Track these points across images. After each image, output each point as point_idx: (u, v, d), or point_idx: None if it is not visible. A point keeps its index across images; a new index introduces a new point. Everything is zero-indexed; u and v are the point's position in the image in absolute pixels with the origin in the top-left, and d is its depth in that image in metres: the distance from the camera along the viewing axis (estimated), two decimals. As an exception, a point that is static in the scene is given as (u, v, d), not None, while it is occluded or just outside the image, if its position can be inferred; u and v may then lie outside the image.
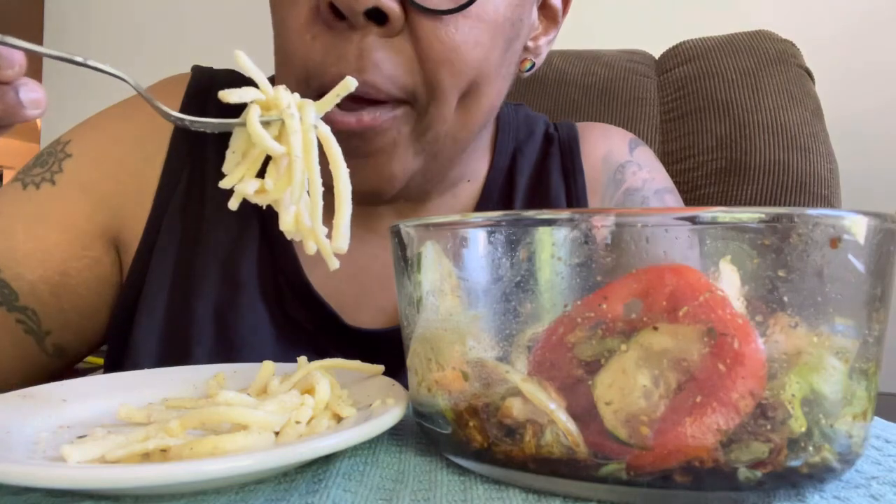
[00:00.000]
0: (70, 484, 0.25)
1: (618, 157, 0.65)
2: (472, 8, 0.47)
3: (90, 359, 0.79)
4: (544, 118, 0.69)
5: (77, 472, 0.25)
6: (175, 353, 0.53)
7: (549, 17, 0.59)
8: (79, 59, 0.33)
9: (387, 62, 0.46)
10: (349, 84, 0.39)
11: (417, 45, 0.46)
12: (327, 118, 0.43)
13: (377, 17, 0.44)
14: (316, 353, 0.47)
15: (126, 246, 0.57)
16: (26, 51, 0.33)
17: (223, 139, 0.57)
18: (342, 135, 0.45)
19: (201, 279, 0.55)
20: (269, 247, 0.56)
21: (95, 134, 0.58)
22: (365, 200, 0.53)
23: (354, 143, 0.47)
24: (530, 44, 0.57)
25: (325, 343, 0.56)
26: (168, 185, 0.57)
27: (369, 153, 0.49)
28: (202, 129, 0.39)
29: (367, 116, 0.47)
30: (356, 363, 0.41)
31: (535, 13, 0.56)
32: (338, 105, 0.42)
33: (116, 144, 0.57)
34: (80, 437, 0.32)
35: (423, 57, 0.46)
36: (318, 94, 0.45)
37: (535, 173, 0.64)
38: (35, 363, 0.56)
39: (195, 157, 0.58)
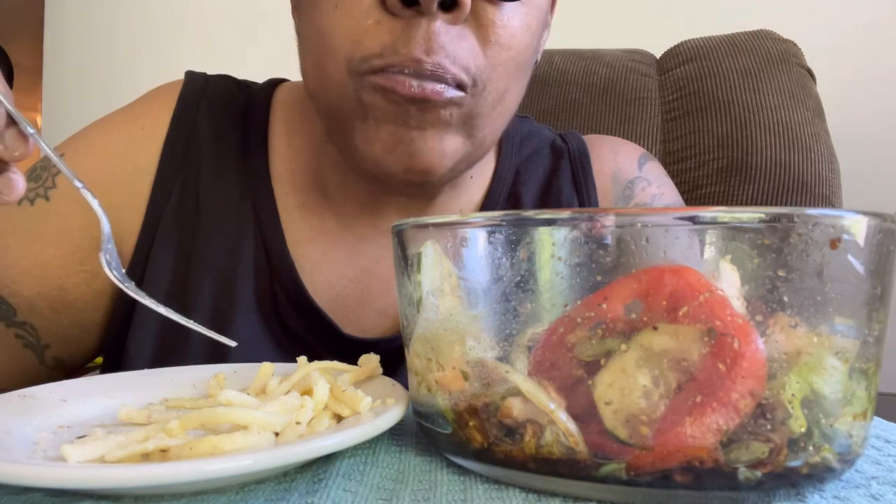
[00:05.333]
0: (70, 484, 0.25)
1: (627, 174, 0.65)
2: None
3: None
4: (548, 129, 0.69)
5: (77, 472, 0.25)
6: (170, 366, 0.53)
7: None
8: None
9: (452, 45, 0.46)
10: None
11: (480, 31, 0.47)
12: (388, 85, 0.45)
13: (446, 4, 0.45)
14: None
15: (122, 258, 0.56)
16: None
17: (217, 149, 0.57)
18: (399, 104, 0.46)
19: (196, 291, 0.55)
20: (266, 256, 0.56)
21: (87, 147, 0.58)
22: (412, 185, 0.52)
23: (412, 111, 0.47)
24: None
25: (324, 354, 0.56)
26: (160, 196, 0.56)
27: (424, 125, 0.48)
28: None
29: (429, 87, 0.46)
30: (354, 367, 0.41)
31: None
32: (400, 74, 0.44)
33: (108, 157, 0.57)
34: (80, 437, 0.32)
35: (485, 41, 0.47)
36: (365, 73, 0.46)
37: (545, 184, 0.63)
38: (34, 376, 0.56)
39: (188, 168, 0.57)
